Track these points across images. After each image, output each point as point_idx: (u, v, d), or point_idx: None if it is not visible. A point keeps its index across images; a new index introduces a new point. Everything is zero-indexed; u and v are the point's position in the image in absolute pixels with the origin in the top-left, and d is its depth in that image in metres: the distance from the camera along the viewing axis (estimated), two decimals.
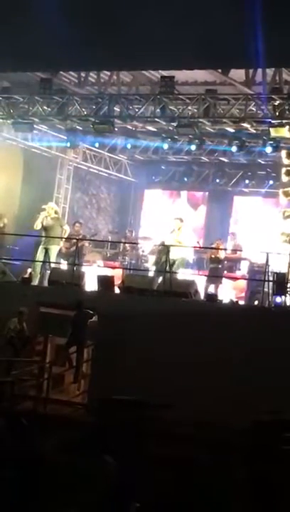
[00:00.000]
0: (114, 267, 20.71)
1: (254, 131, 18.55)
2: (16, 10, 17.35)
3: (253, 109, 17.55)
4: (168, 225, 19.30)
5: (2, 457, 7.43)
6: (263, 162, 22.43)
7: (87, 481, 6.91)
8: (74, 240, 18.85)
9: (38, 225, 18.09)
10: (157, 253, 18.87)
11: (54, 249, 18.04)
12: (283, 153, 18.32)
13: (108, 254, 22.76)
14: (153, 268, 18.74)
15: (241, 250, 20.37)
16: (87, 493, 6.82)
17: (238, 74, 18.05)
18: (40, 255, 17.88)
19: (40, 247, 17.96)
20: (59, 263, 18.69)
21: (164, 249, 17.90)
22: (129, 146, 22.40)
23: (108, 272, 18.93)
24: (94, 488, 6.85)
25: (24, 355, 15.37)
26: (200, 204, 24.80)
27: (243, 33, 14.71)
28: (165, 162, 24.68)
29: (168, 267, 16.85)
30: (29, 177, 22.65)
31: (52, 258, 18.00)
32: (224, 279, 19.09)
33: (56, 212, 18.68)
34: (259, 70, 17.27)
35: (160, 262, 18.23)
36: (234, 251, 20.37)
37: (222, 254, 19.43)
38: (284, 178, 18.36)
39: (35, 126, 19.85)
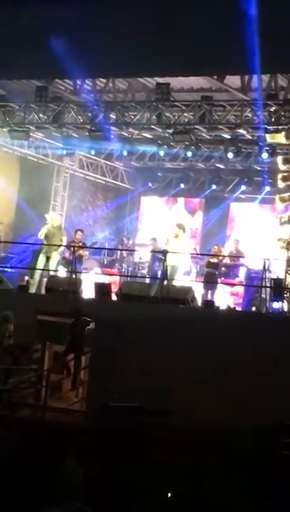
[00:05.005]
0: (111, 274, 20.69)
1: (250, 138, 18.57)
2: (11, 19, 17.40)
3: (249, 115, 17.54)
4: (168, 231, 19.24)
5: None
6: (259, 168, 22.41)
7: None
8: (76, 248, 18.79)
9: (42, 235, 18.15)
10: (150, 260, 18.90)
11: (54, 257, 18.06)
12: (279, 159, 18.35)
13: (105, 261, 22.73)
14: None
15: (242, 257, 20.33)
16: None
17: (234, 80, 18.06)
18: (40, 263, 17.90)
19: (41, 255, 18.00)
20: (57, 270, 18.68)
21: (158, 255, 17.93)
22: (125, 153, 22.33)
23: (105, 279, 18.90)
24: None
25: (22, 363, 15.32)
26: (197, 210, 24.80)
27: (238, 39, 14.73)
28: (162, 169, 24.69)
29: (165, 274, 16.82)
30: (25, 185, 22.67)
31: (53, 266, 18.03)
32: (222, 286, 19.05)
33: (56, 223, 18.71)
34: (255, 76, 17.27)
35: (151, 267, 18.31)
36: (234, 257, 20.34)
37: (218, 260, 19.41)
38: (280, 184, 18.38)
39: (31, 134, 19.88)
